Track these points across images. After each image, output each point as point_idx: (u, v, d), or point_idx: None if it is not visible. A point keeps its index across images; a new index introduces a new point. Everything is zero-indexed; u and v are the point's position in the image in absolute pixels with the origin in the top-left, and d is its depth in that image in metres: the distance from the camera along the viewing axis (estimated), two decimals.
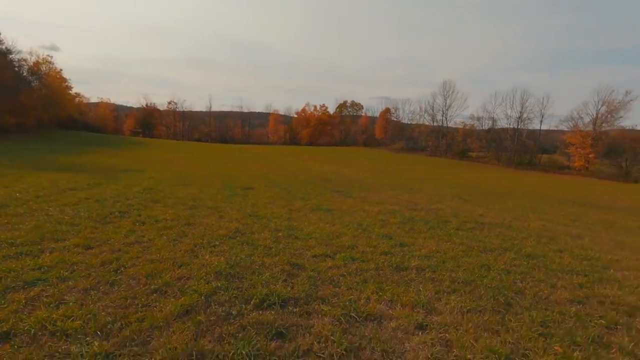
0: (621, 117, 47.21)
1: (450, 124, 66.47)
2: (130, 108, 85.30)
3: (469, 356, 2.61)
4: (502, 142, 57.19)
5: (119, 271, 3.85)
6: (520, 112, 55.99)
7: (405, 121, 75.63)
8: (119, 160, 20.58)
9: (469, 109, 70.02)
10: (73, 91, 59.22)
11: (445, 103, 64.67)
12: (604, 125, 48.31)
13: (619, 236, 7.75)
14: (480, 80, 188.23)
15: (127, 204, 7.46)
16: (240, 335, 2.72)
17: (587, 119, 49.21)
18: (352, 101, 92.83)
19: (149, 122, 76.83)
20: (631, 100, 46.02)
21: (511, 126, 57.10)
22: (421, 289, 3.84)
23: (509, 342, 2.86)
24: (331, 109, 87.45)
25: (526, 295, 3.87)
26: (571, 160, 48.89)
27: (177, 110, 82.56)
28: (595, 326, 3.24)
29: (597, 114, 48.36)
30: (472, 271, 4.50)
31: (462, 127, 65.40)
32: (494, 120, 60.19)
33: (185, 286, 3.55)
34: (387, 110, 78.39)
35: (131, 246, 4.71)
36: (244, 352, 2.49)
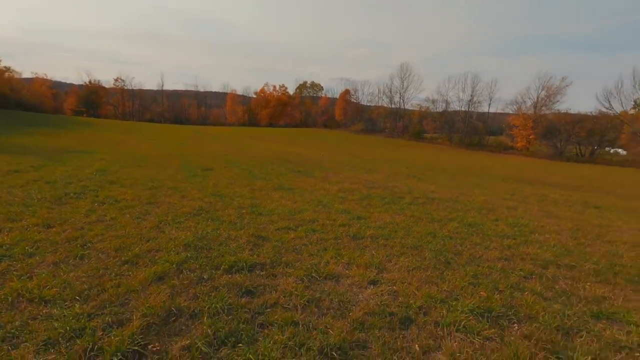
0: (558, 101, 51.57)
1: (407, 106, 68.45)
2: (71, 85, 78.09)
3: (411, 301, 3.11)
4: (454, 124, 60.12)
5: (86, 246, 3.92)
6: (471, 96, 59.16)
7: (365, 103, 76.87)
8: (63, 142, 19.24)
9: (425, 92, 73.15)
10: (1, 64, 53.34)
11: (403, 85, 66.27)
12: (543, 108, 52.28)
13: (548, 207, 8.85)
14: (438, 63, 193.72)
15: (81, 185, 7.25)
16: (213, 294, 3.01)
17: (529, 103, 53.00)
18: (312, 82, 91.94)
19: (94, 100, 70.98)
20: (566, 85, 50.28)
21: (463, 109, 60.32)
22: (374, 253, 4.32)
23: (445, 290, 3.41)
24: (291, 90, 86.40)
25: (463, 255, 4.49)
26: (514, 141, 52.53)
27: (126, 88, 76.91)
28: (515, 276, 3.90)
29: (537, 98, 52.23)
30: (419, 238, 5.07)
31: (418, 109, 67.73)
32: (447, 102, 62.99)
33: (156, 257, 3.73)
34: (347, 91, 78.79)
35: (94, 224, 4.73)
36: (217, 307, 2.79)
